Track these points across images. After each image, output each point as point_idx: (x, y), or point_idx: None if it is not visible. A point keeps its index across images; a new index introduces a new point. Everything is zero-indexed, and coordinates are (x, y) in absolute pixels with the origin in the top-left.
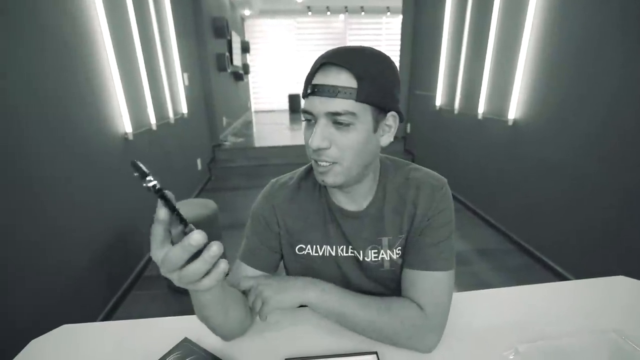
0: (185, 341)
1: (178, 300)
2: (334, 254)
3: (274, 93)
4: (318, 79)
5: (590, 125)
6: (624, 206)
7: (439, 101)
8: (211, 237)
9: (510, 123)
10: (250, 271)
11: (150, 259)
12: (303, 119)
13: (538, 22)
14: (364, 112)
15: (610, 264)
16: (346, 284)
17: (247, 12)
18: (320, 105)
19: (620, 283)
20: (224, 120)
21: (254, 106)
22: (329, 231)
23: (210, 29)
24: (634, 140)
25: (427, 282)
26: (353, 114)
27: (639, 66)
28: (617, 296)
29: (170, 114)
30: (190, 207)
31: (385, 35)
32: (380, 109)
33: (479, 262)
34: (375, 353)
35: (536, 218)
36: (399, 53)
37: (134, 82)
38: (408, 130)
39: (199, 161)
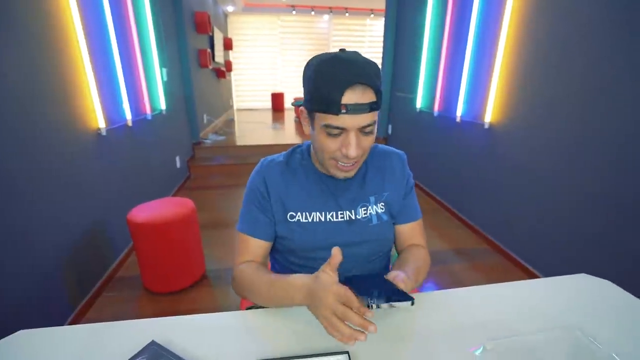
0: (153, 344)
1: (152, 302)
2: (323, 219)
3: (257, 91)
4: (350, 99)
5: (561, 129)
6: (592, 207)
7: (419, 103)
8: (188, 237)
9: (486, 126)
10: (253, 242)
11: (124, 258)
12: (325, 130)
13: (514, 27)
14: (376, 120)
15: (578, 263)
16: (332, 244)
17: (230, 9)
18: (354, 121)
19: (582, 281)
20: (205, 117)
21: (236, 104)
22: (318, 199)
23: (191, 24)
24: (603, 143)
25: (419, 227)
26: (375, 121)
27: (608, 70)
28: (580, 293)
29: (148, 110)
30: (167, 206)
31: (368, 37)
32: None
33: (455, 262)
34: (347, 353)
35: (510, 219)
36: (381, 55)
37: (108, 76)
38: (389, 131)
39: (177, 159)
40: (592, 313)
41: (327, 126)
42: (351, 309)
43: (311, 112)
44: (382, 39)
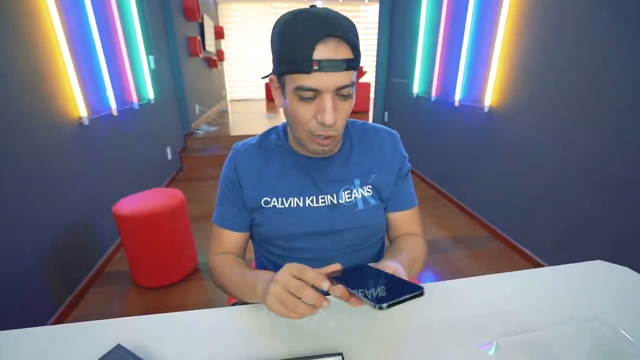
0: (118, 348)
1: (142, 297)
2: (301, 204)
3: (250, 81)
4: (322, 54)
5: (563, 113)
6: (595, 192)
7: (416, 88)
8: (178, 228)
9: (486, 110)
10: (225, 234)
11: (113, 253)
12: (297, 94)
13: (514, 10)
14: (355, 81)
15: (583, 251)
16: (312, 232)
17: None
18: (328, 81)
19: (598, 268)
20: (197, 108)
21: (229, 95)
22: (295, 182)
23: (179, 10)
24: (605, 127)
25: (414, 215)
26: (353, 83)
27: (612, 55)
28: (596, 281)
29: (135, 99)
30: (154, 197)
31: (363, 24)
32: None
33: (455, 250)
34: (341, 354)
35: (511, 205)
36: (376, 41)
37: (88, 61)
38: (386, 118)
39: (168, 150)
40: (611, 302)
41: (298, 89)
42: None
43: (281, 76)
44: (377, 25)
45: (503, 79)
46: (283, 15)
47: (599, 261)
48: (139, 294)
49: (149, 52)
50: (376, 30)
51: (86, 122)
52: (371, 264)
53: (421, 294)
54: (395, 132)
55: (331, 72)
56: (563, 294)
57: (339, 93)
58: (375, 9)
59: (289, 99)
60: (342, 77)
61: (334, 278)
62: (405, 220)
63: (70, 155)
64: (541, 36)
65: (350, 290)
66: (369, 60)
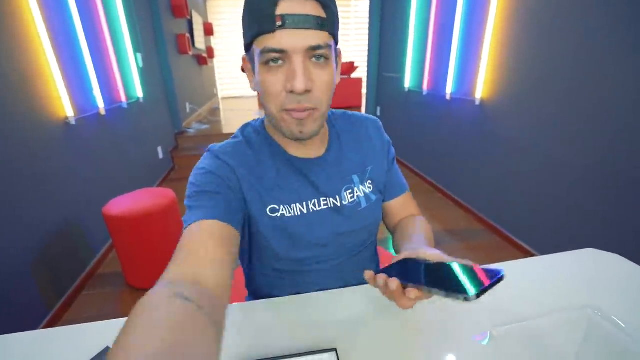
0: (107, 351)
1: (136, 298)
2: (304, 210)
3: (242, 78)
4: (286, 8)
5: (554, 104)
6: (586, 182)
7: (407, 83)
8: (170, 228)
9: (477, 103)
10: (209, 229)
11: (105, 255)
12: (263, 60)
13: (503, 3)
14: (331, 45)
15: (576, 240)
16: (317, 239)
17: None
18: (295, 39)
19: (589, 256)
20: (188, 106)
21: (221, 92)
22: (293, 186)
23: (167, 7)
24: (595, 120)
25: (409, 198)
26: (329, 46)
27: (603, 48)
28: (588, 269)
29: (123, 98)
30: (145, 197)
31: (354, 19)
32: (336, 42)
33: (449, 242)
34: (335, 350)
35: (504, 197)
36: (367, 36)
37: (73, 60)
38: (378, 113)
39: (159, 149)
40: (603, 290)
41: (263, 52)
42: None
43: (249, 47)
44: (367, 20)
45: (494, 72)
46: None
47: (590, 249)
48: (133, 296)
49: (136, 49)
50: (367, 25)
51: (73, 122)
52: (411, 257)
53: (502, 278)
54: (376, 119)
55: (298, 30)
56: (556, 283)
57: (312, 55)
58: (365, 4)
59: (259, 72)
60: (312, 36)
61: (401, 278)
62: (403, 205)
63: (57, 156)
64: (531, 29)
65: (428, 288)
66: (360, 55)
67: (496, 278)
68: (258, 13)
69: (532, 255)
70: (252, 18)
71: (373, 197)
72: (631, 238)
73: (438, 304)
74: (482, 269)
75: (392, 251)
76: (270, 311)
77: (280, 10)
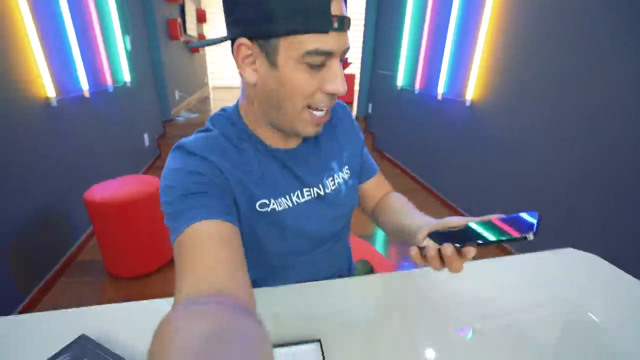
0: (82, 338)
1: (116, 287)
2: (290, 204)
3: (234, 68)
4: (336, 9)
5: (542, 108)
6: (575, 183)
7: (400, 81)
8: (154, 216)
9: (468, 104)
10: (214, 230)
11: (85, 242)
12: (307, 60)
13: (497, 6)
14: None
15: (562, 239)
16: (305, 232)
17: None
18: (342, 42)
19: (569, 255)
20: (177, 94)
21: (211, 82)
22: (276, 178)
23: None
24: (582, 122)
25: (382, 176)
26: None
27: (592, 51)
28: (567, 268)
29: (109, 81)
30: (129, 184)
31: (350, 14)
32: None
33: None
34: (319, 341)
35: (490, 197)
36: (362, 33)
37: (57, 39)
38: (370, 110)
39: (146, 136)
40: (581, 288)
41: (312, 53)
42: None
43: (272, 38)
44: (363, 16)
45: (485, 74)
46: None
47: (570, 249)
48: (113, 284)
49: (125, 31)
50: (362, 22)
51: (54, 103)
52: (437, 228)
53: (541, 217)
54: (344, 104)
55: (343, 33)
56: (536, 280)
57: (342, 58)
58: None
59: (290, 69)
60: (347, 39)
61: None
62: (378, 186)
63: (38, 138)
64: (522, 32)
65: (486, 244)
66: (354, 51)
67: (537, 216)
68: (308, 7)
69: (515, 253)
70: (297, 9)
71: (350, 182)
72: (609, 239)
73: (422, 298)
74: (504, 216)
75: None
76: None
77: (335, 10)
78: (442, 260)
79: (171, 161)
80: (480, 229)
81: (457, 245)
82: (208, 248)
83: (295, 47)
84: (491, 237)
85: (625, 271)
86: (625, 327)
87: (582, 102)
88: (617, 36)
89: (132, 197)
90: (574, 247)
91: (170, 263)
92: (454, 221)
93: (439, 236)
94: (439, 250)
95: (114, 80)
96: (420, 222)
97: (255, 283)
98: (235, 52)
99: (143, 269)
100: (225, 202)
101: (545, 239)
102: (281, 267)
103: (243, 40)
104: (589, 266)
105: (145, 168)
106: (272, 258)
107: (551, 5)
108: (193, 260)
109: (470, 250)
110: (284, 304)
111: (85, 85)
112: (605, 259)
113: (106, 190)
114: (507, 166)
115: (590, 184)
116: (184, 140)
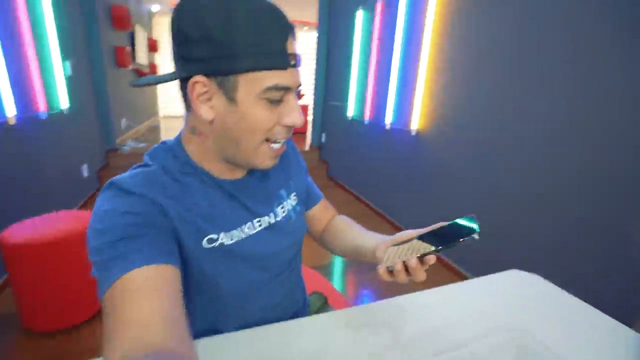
0: None
1: (35, 345)
2: (243, 235)
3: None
4: (291, 48)
5: (481, 133)
6: (513, 206)
7: (350, 112)
8: (84, 258)
9: (413, 133)
10: (153, 279)
11: None
12: (267, 96)
13: (434, 41)
14: None
15: (507, 259)
16: (259, 264)
17: (155, 8)
18: (297, 77)
19: (514, 277)
20: (123, 122)
21: (162, 111)
22: (226, 211)
23: (106, 18)
24: (520, 144)
25: (326, 201)
26: None
27: (519, 77)
28: (513, 291)
29: (42, 107)
30: (60, 221)
31: (302, 50)
32: None
33: None
34: None
35: (438, 219)
36: (314, 66)
37: None
38: (323, 139)
39: (84, 167)
40: (528, 311)
41: (272, 88)
42: None
43: (225, 77)
44: (315, 50)
45: (427, 105)
46: None
47: (514, 270)
48: (31, 342)
49: (64, 56)
50: (314, 56)
51: None
52: (394, 242)
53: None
54: None
55: (297, 69)
56: (485, 306)
57: (297, 92)
58: (313, 35)
59: (248, 104)
60: (300, 74)
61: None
62: (324, 210)
63: None
64: (459, 62)
65: (443, 248)
66: (307, 83)
67: (475, 217)
68: (270, 46)
69: (463, 274)
70: (259, 48)
71: (298, 209)
72: (549, 258)
73: (379, 330)
74: (445, 226)
75: (334, 280)
76: (225, 349)
77: (291, 49)
78: (407, 272)
79: (102, 202)
80: (432, 238)
81: (418, 256)
82: (142, 300)
83: (255, 83)
84: (445, 243)
85: (565, 288)
86: (575, 349)
87: (519, 127)
88: (554, 65)
89: (59, 237)
90: (518, 267)
91: (100, 314)
92: (406, 235)
93: (396, 252)
94: (404, 263)
95: (49, 107)
96: (373, 240)
97: (217, 322)
98: (189, 89)
99: (68, 321)
100: (165, 242)
101: (490, 260)
102: (237, 305)
103: (199, 77)
104: (533, 287)
105: (82, 202)
106: (227, 296)
107: (489, 34)
108: (129, 315)
109: (431, 258)
110: (255, 348)
111: (10, 112)
112: (548, 276)
113: (29, 230)
114: (450, 190)
115: (528, 205)
116: (117, 177)
